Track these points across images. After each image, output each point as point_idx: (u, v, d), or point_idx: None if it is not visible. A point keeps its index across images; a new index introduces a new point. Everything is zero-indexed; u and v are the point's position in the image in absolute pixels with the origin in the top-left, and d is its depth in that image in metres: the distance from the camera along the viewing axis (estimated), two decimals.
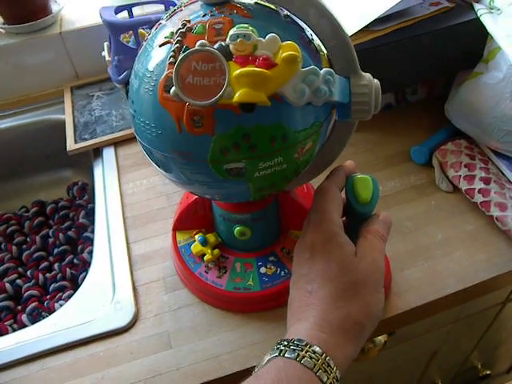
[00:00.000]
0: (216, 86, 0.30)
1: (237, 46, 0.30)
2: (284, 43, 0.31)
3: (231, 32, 0.30)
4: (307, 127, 0.35)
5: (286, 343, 0.33)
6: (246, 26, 0.31)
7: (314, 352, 0.32)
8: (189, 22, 0.34)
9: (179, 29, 0.34)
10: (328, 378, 0.32)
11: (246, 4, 0.35)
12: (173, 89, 0.30)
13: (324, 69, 0.32)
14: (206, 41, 0.31)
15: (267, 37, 0.31)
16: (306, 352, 0.32)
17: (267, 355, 0.34)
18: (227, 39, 0.30)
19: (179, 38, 0.33)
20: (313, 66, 0.31)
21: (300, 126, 0.34)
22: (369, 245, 0.38)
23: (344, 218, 0.40)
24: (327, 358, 0.32)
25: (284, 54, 0.30)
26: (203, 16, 0.34)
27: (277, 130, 0.33)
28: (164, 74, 0.33)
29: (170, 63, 0.33)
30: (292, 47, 0.31)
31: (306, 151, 0.36)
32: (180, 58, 0.30)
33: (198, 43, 0.30)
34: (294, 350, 0.32)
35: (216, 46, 0.31)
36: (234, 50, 0.30)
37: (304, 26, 0.36)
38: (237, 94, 0.30)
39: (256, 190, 0.38)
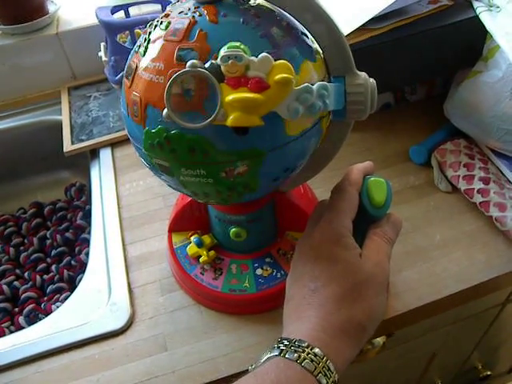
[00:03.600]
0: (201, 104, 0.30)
1: (228, 67, 0.29)
2: (277, 63, 0.30)
3: (222, 53, 0.29)
4: (237, 149, 0.33)
5: (287, 343, 0.33)
6: (237, 45, 0.30)
7: (315, 355, 0.32)
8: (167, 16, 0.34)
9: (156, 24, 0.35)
10: (327, 382, 0.31)
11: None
12: (165, 111, 0.31)
13: (318, 83, 0.32)
14: (196, 61, 0.30)
15: (259, 57, 0.30)
16: (307, 354, 0.31)
17: (266, 353, 0.33)
18: (218, 60, 0.30)
19: (150, 31, 0.34)
20: (306, 84, 0.31)
21: (226, 146, 0.32)
22: (375, 247, 0.37)
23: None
24: (328, 361, 0.32)
25: (277, 77, 0.29)
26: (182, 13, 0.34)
27: (197, 143, 0.32)
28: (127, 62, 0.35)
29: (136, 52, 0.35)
30: (285, 67, 0.30)
31: (238, 174, 0.34)
32: (172, 78, 0.30)
33: (188, 64, 0.30)
34: (296, 351, 0.32)
35: (207, 65, 0.30)
36: (226, 71, 0.30)
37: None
38: (230, 118, 0.29)
39: (201, 194, 0.37)
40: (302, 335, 0.33)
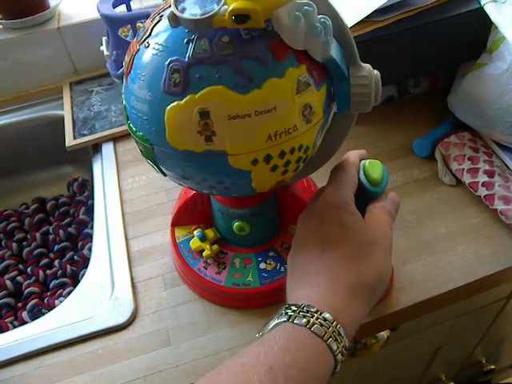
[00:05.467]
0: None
1: None
2: None
3: None
4: None
5: (295, 308, 0.32)
6: None
7: (325, 319, 0.31)
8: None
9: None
10: (338, 347, 0.31)
11: None
12: (169, 10, 0.30)
13: (320, 16, 0.32)
14: None
15: None
16: (316, 319, 0.31)
17: (274, 320, 0.33)
18: None
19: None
20: (308, 1, 0.31)
21: None
22: (375, 217, 0.38)
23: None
24: (338, 325, 0.31)
25: None
26: None
27: None
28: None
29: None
30: None
31: None
32: None
33: None
34: (304, 316, 0.31)
35: None
36: None
37: None
38: (232, 5, 0.29)
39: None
40: (310, 300, 0.32)
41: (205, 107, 0.31)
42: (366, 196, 0.40)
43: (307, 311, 0.31)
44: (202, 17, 0.30)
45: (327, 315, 0.31)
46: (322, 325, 0.30)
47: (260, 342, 0.31)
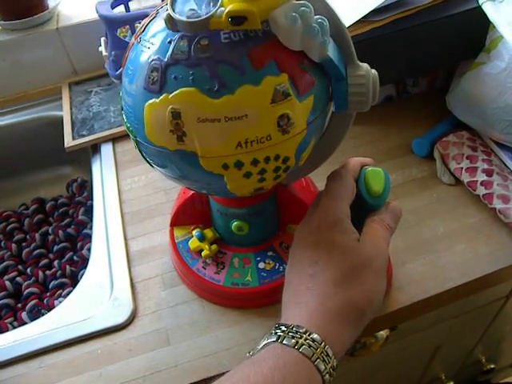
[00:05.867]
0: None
1: None
2: None
3: None
4: None
5: (284, 328, 0.32)
6: None
7: (313, 340, 0.31)
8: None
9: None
10: (326, 368, 0.31)
11: None
12: (166, 13, 0.30)
13: (317, 16, 0.32)
14: None
15: None
16: (304, 340, 0.31)
17: (264, 339, 0.33)
18: None
19: None
20: (305, 1, 0.31)
21: None
22: (372, 232, 0.37)
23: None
24: (326, 346, 0.31)
25: None
26: None
27: None
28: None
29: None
30: None
31: None
32: None
33: None
34: (293, 336, 0.31)
35: None
36: None
37: None
38: (228, 7, 0.29)
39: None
40: (299, 321, 0.33)
41: (176, 108, 0.31)
42: (364, 207, 0.39)
43: (296, 332, 0.32)
44: (199, 19, 0.30)
45: (315, 336, 0.31)
46: (310, 346, 0.31)
47: (250, 362, 0.31)
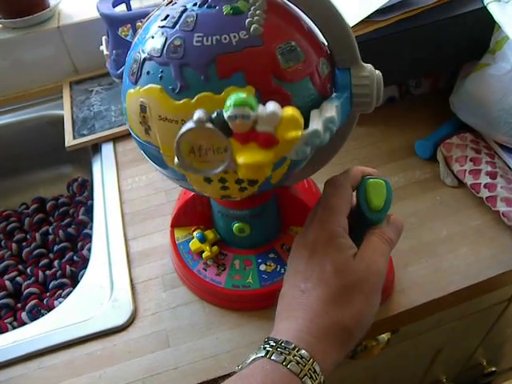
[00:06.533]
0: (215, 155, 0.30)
1: (236, 126, 0.28)
2: (285, 115, 0.28)
3: (229, 112, 0.28)
4: None
5: (273, 344, 0.32)
6: (243, 98, 0.28)
7: (302, 357, 0.31)
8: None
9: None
10: None
11: None
12: (176, 160, 0.30)
13: (325, 118, 0.30)
14: (203, 115, 0.29)
15: (268, 111, 0.28)
16: (293, 356, 0.31)
17: (253, 354, 0.33)
18: (225, 116, 0.28)
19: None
20: (315, 129, 0.29)
21: None
22: (371, 246, 0.36)
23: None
24: (314, 363, 0.31)
25: (287, 136, 0.28)
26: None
27: None
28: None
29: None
30: (293, 121, 0.28)
31: None
32: (179, 134, 0.29)
33: (194, 118, 0.28)
34: (282, 352, 0.31)
35: (214, 115, 0.28)
36: (234, 127, 0.28)
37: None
38: (241, 172, 0.29)
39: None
40: (288, 336, 0.33)
41: (144, 102, 0.33)
42: (364, 221, 0.38)
43: (285, 347, 0.32)
44: (211, 171, 0.30)
45: (304, 352, 0.31)
46: (298, 362, 0.31)
47: (238, 377, 0.31)
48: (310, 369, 0.31)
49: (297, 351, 0.31)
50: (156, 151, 0.34)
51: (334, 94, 0.35)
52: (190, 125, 0.29)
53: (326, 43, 0.35)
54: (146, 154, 0.37)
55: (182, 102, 0.31)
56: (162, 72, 0.32)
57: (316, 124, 0.30)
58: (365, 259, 0.35)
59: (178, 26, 0.32)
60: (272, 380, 0.30)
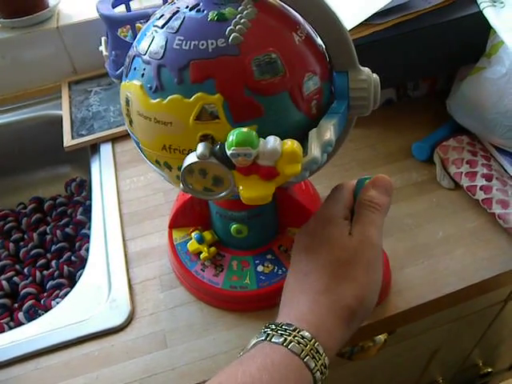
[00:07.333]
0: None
1: (238, 162, 0.30)
2: (285, 149, 0.29)
3: (231, 150, 0.29)
4: None
5: (273, 327, 0.32)
6: (245, 135, 0.29)
7: (303, 337, 0.31)
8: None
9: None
10: (316, 365, 0.30)
11: None
12: (181, 186, 0.33)
13: (324, 140, 0.32)
14: (206, 150, 0.30)
15: (268, 147, 0.29)
16: (293, 337, 0.31)
17: (254, 339, 0.33)
18: (227, 151, 0.29)
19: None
20: (314, 156, 0.31)
21: None
22: (361, 220, 0.36)
23: None
24: (316, 343, 0.31)
25: (287, 171, 0.30)
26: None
27: None
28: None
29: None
30: (293, 156, 0.30)
31: None
32: (183, 166, 0.31)
33: (198, 152, 0.30)
34: (282, 334, 0.31)
35: (216, 148, 0.30)
36: (236, 162, 0.30)
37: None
38: (243, 200, 0.31)
39: None
40: (289, 319, 0.32)
41: (128, 96, 0.35)
42: None
43: (285, 330, 0.31)
44: (215, 197, 0.33)
45: (306, 333, 0.31)
46: (299, 343, 0.30)
47: (238, 362, 0.31)
48: (312, 349, 0.30)
49: (298, 332, 0.31)
50: (138, 143, 0.37)
51: (333, 106, 0.35)
52: (193, 159, 0.30)
53: (324, 46, 0.36)
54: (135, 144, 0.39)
55: (155, 101, 0.32)
56: (144, 70, 0.33)
57: (315, 149, 0.31)
58: (356, 235, 0.35)
59: (165, 27, 0.33)
60: (272, 361, 0.30)
